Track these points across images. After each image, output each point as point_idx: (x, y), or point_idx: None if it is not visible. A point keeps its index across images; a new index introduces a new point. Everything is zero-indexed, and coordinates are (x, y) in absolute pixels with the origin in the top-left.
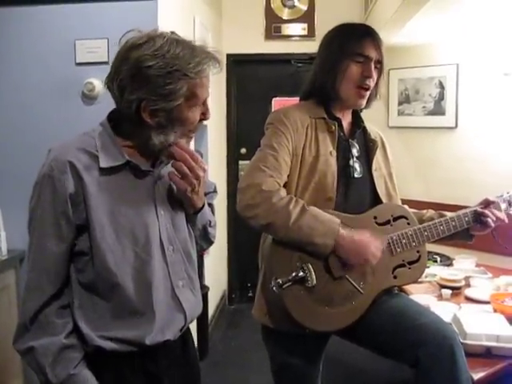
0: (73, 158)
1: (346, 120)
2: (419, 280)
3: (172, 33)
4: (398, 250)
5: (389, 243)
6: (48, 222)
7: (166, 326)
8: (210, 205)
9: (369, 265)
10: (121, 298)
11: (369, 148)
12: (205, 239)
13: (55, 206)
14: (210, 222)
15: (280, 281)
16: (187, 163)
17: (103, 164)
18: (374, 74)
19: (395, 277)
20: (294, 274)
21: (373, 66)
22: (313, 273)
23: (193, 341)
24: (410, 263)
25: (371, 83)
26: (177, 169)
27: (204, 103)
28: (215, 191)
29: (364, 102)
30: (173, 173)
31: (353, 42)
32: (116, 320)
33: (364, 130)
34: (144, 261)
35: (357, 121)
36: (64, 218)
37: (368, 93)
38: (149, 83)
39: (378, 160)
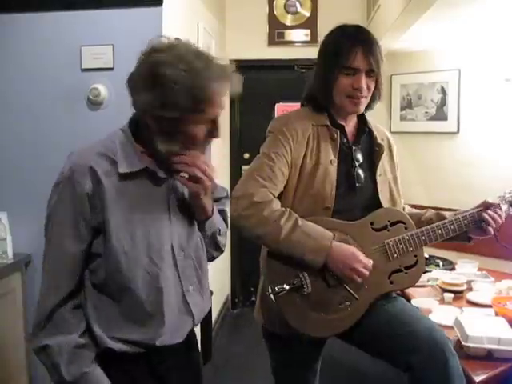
0: (93, 163)
1: (351, 125)
2: (422, 284)
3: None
4: (395, 255)
5: (385, 249)
6: (67, 222)
7: (175, 330)
8: (223, 211)
9: (359, 276)
10: (131, 301)
11: (374, 153)
12: (214, 247)
13: (74, 207)
14: (220, 230)
15: (276, 288)
16: (200, 167)
17: (121, 169)
18: (367, 83)
19: (392, 282)
20: (290, 282)
21: (363, 77)
22: (308, 280)
23: (196, 343)
24: (407, 268)
25: (363, 93)
26: (190, 174)
27: (214, 121)
28: (227, 197)
29: (360, 107)
30: (185, 178)
31: (340, 55)
32: (127, 322)
33: (370, 133)
34: (156, 266)
35: (362, 125)
36: (82, 220)
37: (363, 100)
38: (155, 89)
39: (383, 165)
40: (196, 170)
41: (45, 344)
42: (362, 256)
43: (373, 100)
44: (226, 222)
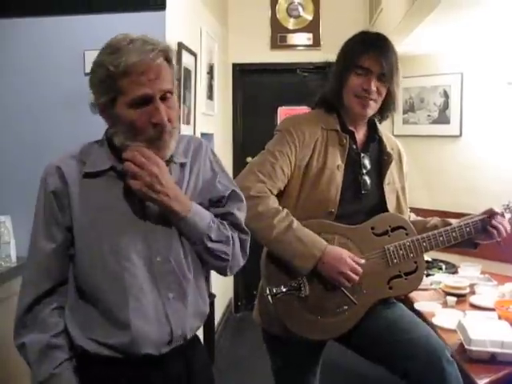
0: (61, 164)
1: (361, 132)
2: (424, 287)
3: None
4: (395, 260)
5: (385, 254)
6: (40, 221)
7: (148, 338)
8: (229, 214)
9: (348, 280)
10: (100, 303)
11: (383, 161)
12: (211, 256)
13: (45, 206)
14: (210, 236)
15: (274, 290)
16: (135, 160)
17: (87, 169)
18: (377, 87)
19: (391, 288)
20: (287, 284)
21: (373, 79)
22: (306, 283)
23: (204, 357)
24: (407, 274)
25: (372, 95)
26: (127, 169)
27: (152, 102)
28: (234, 198)
29: (368, 110)
30: (127, 175)
31: (354, 54)
32: (100, 324)
33: (380, 141)
34: (123, 267)
35: (372, 132)
36: (53, 219)
37: (371, 102)
38: (91, 79)
39: (391, 174)
40: (130, 165)
41: (22, 342)
42: (350, 260)
43: (387, 109)
44: (237, 227)
